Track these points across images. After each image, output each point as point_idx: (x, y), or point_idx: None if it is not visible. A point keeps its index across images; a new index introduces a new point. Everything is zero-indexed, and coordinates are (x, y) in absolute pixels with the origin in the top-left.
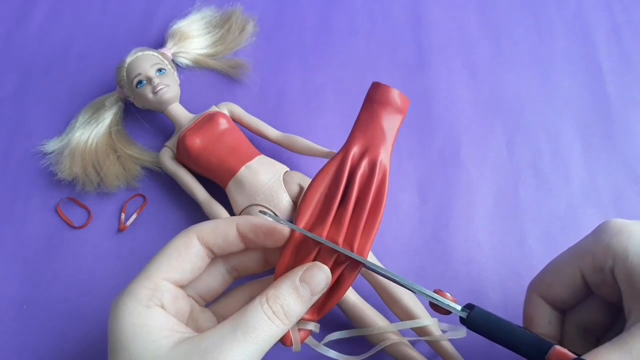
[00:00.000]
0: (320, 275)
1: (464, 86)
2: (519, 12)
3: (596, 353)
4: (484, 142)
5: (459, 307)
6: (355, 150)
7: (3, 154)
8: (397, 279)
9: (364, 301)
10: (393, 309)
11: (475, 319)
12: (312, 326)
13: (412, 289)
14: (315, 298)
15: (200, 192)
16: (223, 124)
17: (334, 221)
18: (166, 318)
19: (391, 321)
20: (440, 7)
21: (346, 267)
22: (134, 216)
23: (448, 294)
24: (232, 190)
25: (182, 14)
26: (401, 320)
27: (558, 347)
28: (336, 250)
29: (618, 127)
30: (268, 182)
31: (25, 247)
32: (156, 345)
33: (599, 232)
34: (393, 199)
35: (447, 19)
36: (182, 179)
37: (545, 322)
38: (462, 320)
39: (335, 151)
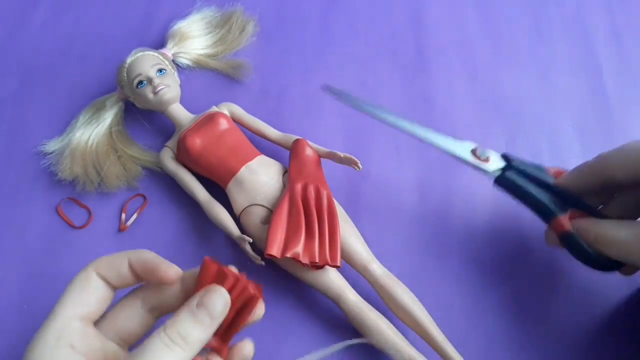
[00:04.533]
0: (218, 298)
1: (464, 86)
2: (519, 12)
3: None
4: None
5: (497, 162)
6: (298, 186)
7: (4, 154)
8: None
9: (364, 301)
10: (392, 308)
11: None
12: None
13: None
14: (217, 322)
15: (200, 192)
16: (223, 124)
17: (306, 237)
18: (74, 358)
19: (391, 321)
20: (440, 7)
21: (252, 293)
22: (134, 216)
23: None
24: (232, 190)
25: (183, 14)
26: (401, 320)
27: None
28: (241, 276)
29: (617, 127)
30: (268, 182)
31: (26, 247)
32: None
33: None
34: (393, 199)
35: (447, 19)
36: (183, 179)
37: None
38: (497, 179)
39: (336, 151)
